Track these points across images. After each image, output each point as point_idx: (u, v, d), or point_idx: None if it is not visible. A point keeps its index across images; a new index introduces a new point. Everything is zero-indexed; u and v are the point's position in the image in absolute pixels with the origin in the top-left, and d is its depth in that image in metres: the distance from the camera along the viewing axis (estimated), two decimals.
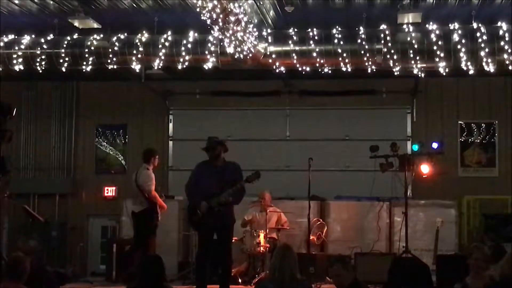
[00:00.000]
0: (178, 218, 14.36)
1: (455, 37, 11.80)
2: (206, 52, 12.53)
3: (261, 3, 11.58)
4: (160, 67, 13.01)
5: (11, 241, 13.27)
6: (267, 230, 12.30)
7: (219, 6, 9.60)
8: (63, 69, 13.08)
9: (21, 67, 13.04)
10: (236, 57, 12.09)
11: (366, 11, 11.89)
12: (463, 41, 11.77)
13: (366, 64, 12.28)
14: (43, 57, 12.87)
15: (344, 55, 12.15)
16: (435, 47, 11.88)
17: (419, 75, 12.78)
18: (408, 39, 11.98)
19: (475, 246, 8.53)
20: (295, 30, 12.34)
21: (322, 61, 12.32)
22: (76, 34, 12.79)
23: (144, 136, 16.58)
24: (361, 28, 12.10)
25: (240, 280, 12.08)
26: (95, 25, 12.28)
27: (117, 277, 13.28)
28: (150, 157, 12.22)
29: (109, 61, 12.81)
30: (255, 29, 11.72)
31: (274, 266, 7.11)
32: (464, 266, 8.37)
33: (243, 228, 12.65)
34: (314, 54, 12.25)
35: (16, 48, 12.89)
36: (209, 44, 12.49)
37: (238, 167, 10.33)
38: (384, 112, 15.83)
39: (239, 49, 11.70)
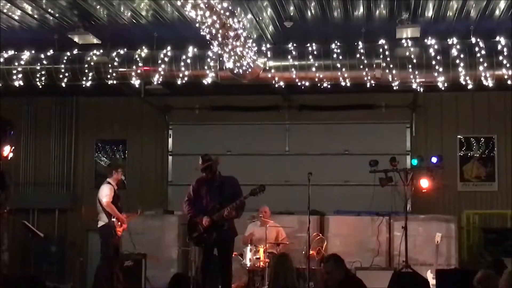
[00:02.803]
0: (177, 233, 14.35)
1: (454, 51, 11.82)
2: (206, 67, 12.55)
3: (260, 18, 11.62)
4: (159, 82, 13.02)
5: (10, 256, 13.28)
6: (267, 245, 12.29)
7: (218, 21, 9.62)
8: (63, 85, 13.09)
9: (21, 82, 13.04)
10: (235, 72, 12.11)
11: (364, 26, 11.90)
12: (462, 55, 11.78)
13: (365, 78, 12.28)
14: (42, 72, 12.87)
15: (343, 69, 12.16)
16: (433, 62, 11.89)
17: (418, 90, 12.79)
18: (407, 53, 12.00)
19: (488, 274, 7.80)
20: (294, 45, 12.36)
21: (321, 75, 12.33)
22: (76, 50, 12.79)
23: (143, 151, 16.60)
24: (360, 42, 12.12)
25: None
26: (95, 41, 12.31)
27: None
28: (111, 170, 12.18)
29: (108, 76, 12.83)
30: (254, 44, 11.75)
31: (272, 274, 7.14)
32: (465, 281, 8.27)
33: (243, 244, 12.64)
34: (313, 69, 12.26)
35: (16, 63, 12.89)
36: (209, 59, 12.50)
37: (236, 180, 10.38)
38: (383, 126, 15.85)
39: (238, 64, 11.72)
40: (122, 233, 11.94)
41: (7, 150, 8.51)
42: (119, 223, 11.78)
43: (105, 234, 11.79)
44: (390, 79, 12.24)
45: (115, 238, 11.74)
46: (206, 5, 9.04)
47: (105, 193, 11.87)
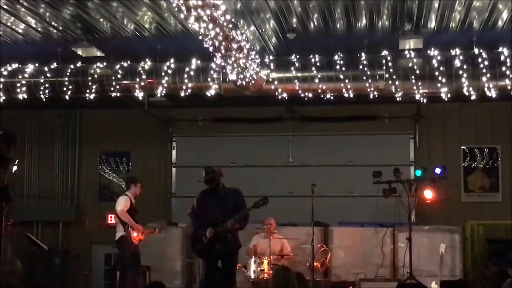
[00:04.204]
0: (181, 245, 14.32)
1: (457, 62, 11.84)
2: (209, 79, 12.59)
3: (263, 30, 11.65)
4: (163, 94, 13.05)
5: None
6: (271, 257, 12.27)
7: (221, 33, 9.65)
8: (67, 97, 13.12)
9: (25, 95, 13.07)
10: (238, 84, 12.13)
11: (367, 37, 11.94)
12: (465, 66, 11.81)
13: (368, 90, 12.30)
14: (46, 85, 12.91)
15: (346, 81, 12.18)
16: (436, 73, 11.91)
17: (421, 101, 12.80)
18: (410, 65, 12.02)
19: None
20: (297, 56, 12.39)
21: (324, 87, 12.35)
22: (79, 63, 12.85)
23: (147, 163, 16.60)
24: (362, 54, 12.15)
25: None
26: (98, 53, 12.36)
27: None
28: (130, 184, 12.26)
29: (112, 89, 12.86)
30: (257, 56, 11.77)
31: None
32: None
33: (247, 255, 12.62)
34: (316, 80, 12.29)
35: (20, 76, 12.93)
36: (212, 71, 12.54)
37: (240, 192, 10.36)
38: (386, 137, 15.84)
39: (241, 76, 11.75)
40: (138, 242, 11.94)
41: (11, 163, 8.49)
42: (134, 231, 11.80)
43: (122, 246, 11.82)
44: (393, 90, 12.26)
45: (132, 248, 11.76)
46: (209, 18, 9.07)
47: (121, 202, 11.93)
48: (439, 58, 11.93)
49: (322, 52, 12.32)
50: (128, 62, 12.79)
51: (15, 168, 8.78)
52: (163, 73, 12.59)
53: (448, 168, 13.44)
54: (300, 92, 12.57)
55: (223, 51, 10.31)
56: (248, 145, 16.23)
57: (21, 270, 10.11)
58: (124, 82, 12.77)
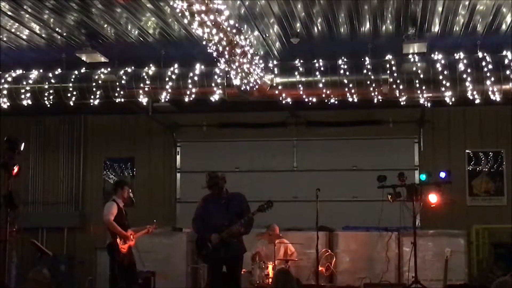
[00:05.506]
0: (186, 251, 14.32)
1: (461, 66, 11.82)
2: (213, 85, 12.58)
3: (267, 35, 11.66)
4: (167, 100, 13.06)
5: (19, 276, 13.27)
6: (276, 262, 12.26)
7: (225, 39, 9.66)
8: (71, 103, 13.14)
9: (29, 101, 13.09)
10: (242, 89, 12.13)
11: (371, 42, 11.93)
12: (469, 70, 11.79)
13: (372, 94, 12.29)
14: (51, 91, 12.93)
15: (350, 85, 12.17)
16: (440, 77, 11.89)
17: (426, 105, 12.79)
18: (414, 69, 12.01)
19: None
20: (301, 61, 12.39)
21: (328, 91, 12.34)
22: (84, 68, 12.86)
23: (151, 168, 16.62)
24: (366, 58, 12.14)
25: None
26: (102, 59, 12.37)
27: None
28: (117, 188, 11.93)
29: (116, 94, 12.87)
30: (261, 61, 11.79)
31: None
32: None
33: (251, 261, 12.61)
34: (320, 85, 12.28)
35: (24, 83, 12.95)
36: (216, 77, 12.54)
37: (243, 197, 10.36)
38: (391, 142, 15.82)
39: (245, 81, 11.75)
40: (126, 250, 11.71)
41: (15, 170, 8.51)
42: (122, 240, 11.57)
43: (110, 252, 11.74)
44: (398, 95, 12.25)
45: (119, 256, 11.56)
46: (213, 23, 9.08)
47: (107, 211, 11.58)
48: (443, 62, 11.91)
49: (326, 56, 12.31)
50: (132, 67, 12.80)
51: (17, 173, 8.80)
52: (167, 79, 12.59)
53: (452, 172, 13.45)
54: (304, 97, 12.57)
55: (227, 56, 10.31)
56: (253, 150, 16.23)
57: (49, 278, 10.11)
58: (128, 87, 12.77)
